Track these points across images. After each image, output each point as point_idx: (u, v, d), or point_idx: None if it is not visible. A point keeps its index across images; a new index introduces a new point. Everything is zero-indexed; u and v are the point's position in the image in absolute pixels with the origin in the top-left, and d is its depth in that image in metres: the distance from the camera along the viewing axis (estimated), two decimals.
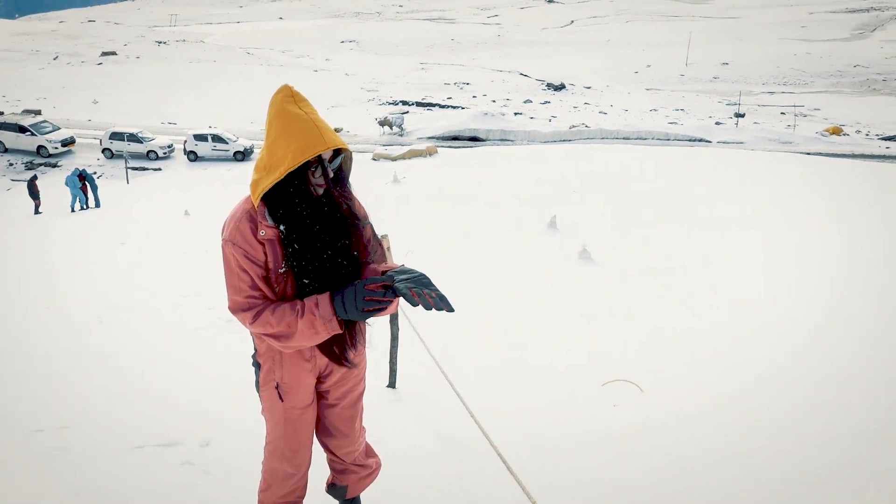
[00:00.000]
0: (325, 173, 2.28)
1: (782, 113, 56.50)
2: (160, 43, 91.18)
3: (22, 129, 34.88)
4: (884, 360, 4.58)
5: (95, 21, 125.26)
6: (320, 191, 2.32)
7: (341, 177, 2.41)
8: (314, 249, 2.34)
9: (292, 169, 2.20)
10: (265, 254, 2.34)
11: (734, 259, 9.01)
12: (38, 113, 41.05)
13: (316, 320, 2.27)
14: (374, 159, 30.46)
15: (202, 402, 4.57)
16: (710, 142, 38.17)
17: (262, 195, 2.29)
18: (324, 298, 2.27)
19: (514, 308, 6.95)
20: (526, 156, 27.05)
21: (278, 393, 2.56)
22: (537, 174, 20.54)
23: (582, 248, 9.58)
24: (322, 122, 2.25)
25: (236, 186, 25.52)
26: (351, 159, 2.42)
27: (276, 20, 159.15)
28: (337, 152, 2.34)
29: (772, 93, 71.51)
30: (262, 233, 2.32)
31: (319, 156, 2.25)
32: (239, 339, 6.34)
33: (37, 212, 24.57)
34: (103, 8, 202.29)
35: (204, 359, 5.75)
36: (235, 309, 2.37)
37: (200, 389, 4.87)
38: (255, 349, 2.63)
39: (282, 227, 2.32)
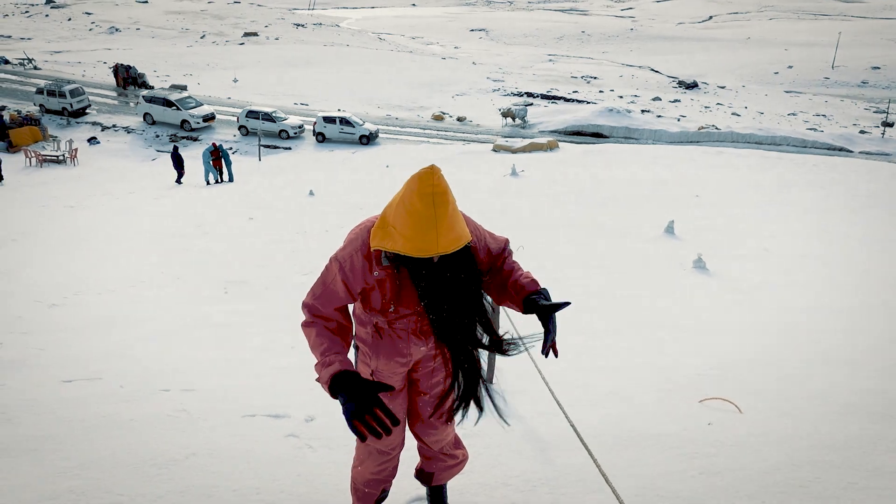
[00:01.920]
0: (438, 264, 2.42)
1: None
2: (298, 26, 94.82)
3: (169, 104, 37.18)
4: None
5: (240, 2, 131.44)
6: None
7: (466, 261, 2.50)
8: (432, 296, 2.47)
9: (402, 254, 2.31)
10: (371, 292, 2.53)
11: (860, 283, 8.55)
12: (183, 89, 43.65)
13: (319, 373, 2.48)
14: (494, 150, 30.56)
15: (310, 378, 4.83)
16: (851, 152, 35.91)
17: (381, 253, 2.44)
18: (328, 372, 2.40)
19: (619, 311, 6.90)
20: (649, 156, 26.42)
21: (372, 377, 2.73)
22: (660, 176, 20.06)
23: (697, 256, 9.35)
24: (445, 225, 2.26)
25: (357, 173, 26.31)
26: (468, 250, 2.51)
27: (408, 6, 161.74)
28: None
29: None
30: (375, 273, 2.47)
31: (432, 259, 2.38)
32: None
33: (178, 181, 26.18)
34: None
35: None
36: (305, 305, 2.57)
37: (308, 366, 5.15)
38: (355, 332, 2.80)
39: (404, 269, 2.47)
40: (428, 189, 2.24)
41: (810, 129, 43.40)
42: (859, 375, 4.52)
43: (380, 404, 2.23)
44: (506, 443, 3.75)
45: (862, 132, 43.23)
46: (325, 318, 2.56)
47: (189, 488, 3.29)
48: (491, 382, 4.60)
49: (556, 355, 2.47)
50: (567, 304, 2.48)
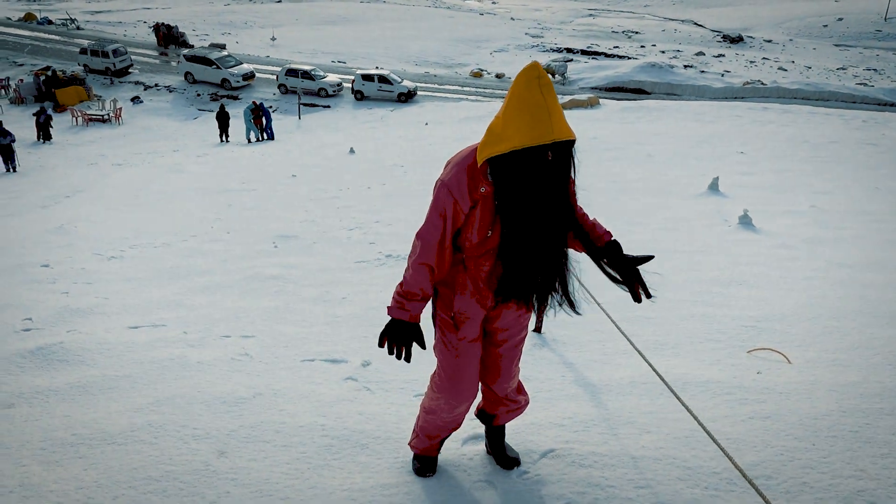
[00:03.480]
0: (550, 162, 2.33)
1: None
2: None
3: (209, 63, 37.46)
4: None
5: None
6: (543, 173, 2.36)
7: (567, 165, 2.44)
8: (527, 215, 2.42)
9: (517, 149, 2.27)
10: (475, 211, 2.49)
11: None
12: (223, 47, 43.88)
13: (392, 304, 2.62)
14: None
15: (364, 326, 5.01)
16: None
17: (486, 159, 2.38)
18: (397, 313, 2.60)
19: (664, 266, 6.93)
20: (692, 112, 25.99)
21: (453, 322, 2.74)
22: (703, 132, 19.76)
23: (743, 212, 9.28)
24: (557, 112, 2.28)
25: (397, 130, 26.33)
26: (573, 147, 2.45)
27: None
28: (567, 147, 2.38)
29: None
30: (482, 188, 2.44)
31: (546, 149, 2.30)
32: (396, 274, 6.79)
33: (222, 140, 26.51)
34: None
35: (364, 289, 6.22)
36: (419, 236, 2.58)
37: (361, 315, 5.32)
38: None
39: (499, 187, 2.40)
40: (534, 74, 2.27)
41: (860, 83, 42.17)
42: None
43: (408, 350, 2.58)
44: (558, 388, 3.88)
45: None
46: (433, 253, 2.58)
47: (259, 424, 3.48)
48: (539, 332, 4.71)
49: (649, 295, 2.62)
50: (652, 257, 2.63)
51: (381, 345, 2.60)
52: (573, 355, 4.36)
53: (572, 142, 2.39)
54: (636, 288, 2.62)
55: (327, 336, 4.87)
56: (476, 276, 2.66)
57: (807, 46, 64.21)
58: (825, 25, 76.29)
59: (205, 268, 7.35)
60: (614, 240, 2.73)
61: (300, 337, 4.86)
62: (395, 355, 2.60)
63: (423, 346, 2.63)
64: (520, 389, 3.11)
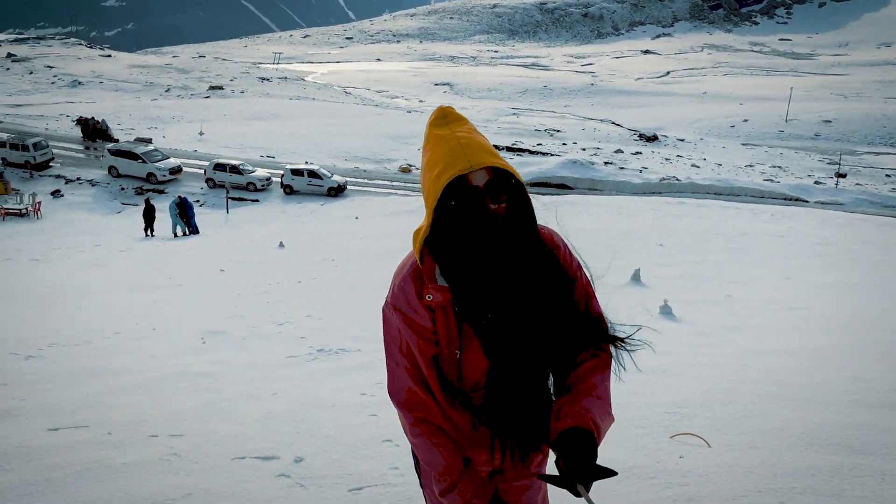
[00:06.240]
0: (480, 200, 1.80)
1: (888, 175, 54.48)
2: (263, 79, 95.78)
3: (134, 157, 37.21)
4: None
5: (205, 56, 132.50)
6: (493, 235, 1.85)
7: (520, 213, 1.92)
8: (497, 312, 1.87)
9: (435, 204, 1.81)
10: (433, 325, 1.91)
11: (821, 326, 8.93)
12: (149, 142, 43.74)
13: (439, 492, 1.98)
14: None
15: (296, 422, 4.97)
16: (807, 202, 37.20)
17: (422, 244, 1.89)
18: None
19: None
20: (614, 206, 27.09)
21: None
22: (624, 226, 20.59)
23: (664, 302, 9.68)
24: (471, 140, 1.82)
25: (327, 225, 26.50)
26: (524, 190, 1.91)
27: (373, 61, 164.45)
28: (505, 182, 1.85)
29: (877, 153, 69.03)
30: (428, 297, 1.88)
31: (477, 187, 1.80)
32: (328, 368, 6.78)
33: (147, 235, 26.10)
34: (213, 44, 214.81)
35: (296, 384, 6.18)
36: (391, 395, 2.02)
37: (294, 411, 5.29)
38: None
39: (451, 283, 1.86)
40: (440, 115, 1.91)
41: (767, 179, 44.91)
42: (819, 411, 4.79)
43: None
44: None
45: (817, 182, 44.88)
46: (425, 401, 1.97)
47: None
48: None
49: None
50: (614, 474, 1.78)
51: None
52: None
53: (514, 182, 1.87)
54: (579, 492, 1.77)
55: (258, 432, 4.81)
56: (463, 425, 2.04)
57: (717, 145, 68.29)
58: (732, 126, 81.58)
59: (130, 366, 7.17)
60: (584, 429, 1.83)
61: (231, 434, 4.78)
62: None
63: None
64: None
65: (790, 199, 37.45)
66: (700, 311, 9.76)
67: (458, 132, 1.84)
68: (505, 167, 1.82)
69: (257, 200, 35.36)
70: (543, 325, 1.92)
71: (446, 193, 1.79)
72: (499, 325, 1.87)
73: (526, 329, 1.89)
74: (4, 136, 41.46)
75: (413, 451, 2.13)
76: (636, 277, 12.02)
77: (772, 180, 44.45)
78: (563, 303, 1.96)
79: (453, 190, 1.79)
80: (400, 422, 2.03)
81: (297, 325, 9.03)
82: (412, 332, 1.91)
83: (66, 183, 37.11)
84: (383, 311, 1.98)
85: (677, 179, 41.37)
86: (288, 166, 37.48)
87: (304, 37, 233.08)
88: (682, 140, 69.50)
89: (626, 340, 2.08)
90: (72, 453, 4.44)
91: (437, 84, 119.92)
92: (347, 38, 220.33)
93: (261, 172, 37.65)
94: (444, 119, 1.89)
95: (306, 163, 39.99)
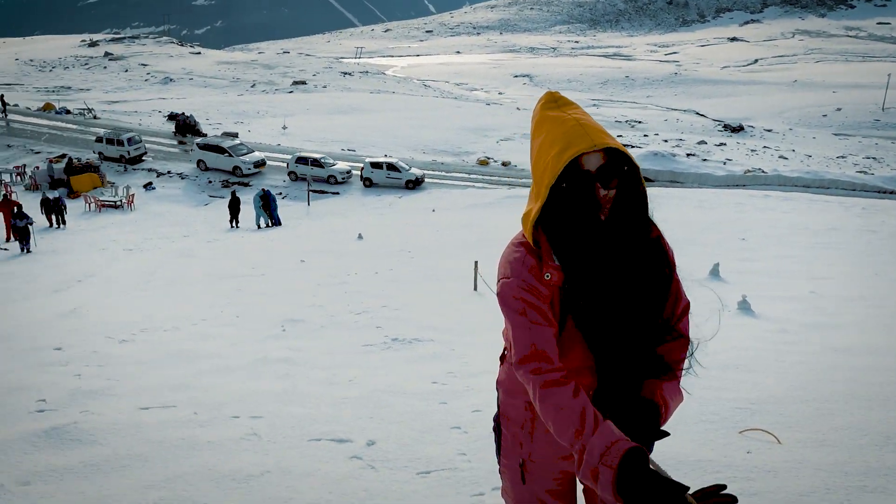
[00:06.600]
0: (598, 182, 1.83)
1: None
2: (345, 74, 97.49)
3: (221, 150, 38.48)
4: None
5: (289, 52, 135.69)
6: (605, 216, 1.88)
7: (634, 202, 1.95)
8: (597, 298, 1.88)
9: (553, 182, 1.81)
10: (551, 302, 1.90)
11: None
12: (235, 136, 45.12)
13: (583, 459, 1.74)
14: None
15: (369, 407, 5.15)
16: None
17: (534, 225, 1.90)
18: (612, 453, 1.70)
19: None
20: (695, 199, 26.46)
21: (521, 472, 2.11)
22: (706, 219, 20.13)
23: (742, 298, 9.47)
24: (589, 121, 1.85)
25: (404, 217, 26.84)
26: (638, 176, 1.94)
27: (453, 54, 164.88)
28: (618, 167, 1.86)
29: None
30: (546, 276, 1.88)
31: (589, 172, 1.83)
32: (402, 357, 6.95)
33: (233, 226, 27.01)
34: (297, 40, 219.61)
35: (370, 372, 6.37)
36: (518, 355, 1.91)
37: (367, 397, 5.47)
38: (499, 410, 2.21)
39: (561, 265, 1.87)
40: (551, 98, 1.94)
41: (860, 171, 42.93)
42: None
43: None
44: None
45: None
46: (553, 367, 1.87)
47: (267, 500, 3.60)
48: None
49: None
50: (667, 434, 1.94)
51: None
52: None
53: (627, 169, 1.89)
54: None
55: (333, 417, 5.01)
56: None
57: (807, 135, 65.65)
58: (824, 115, 78.16)
59: (214, 351, 7.53)
60: (656, 403, 1.95)
61: (307, 417, 4.99)
62: None
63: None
64: None
65: (884, 192, 35.69)
66: (781, 308, 9.49)
67: (574, 114, 1.87)
68: (623, 150, 1.85)
69: (338, 193, 36.05)
70: (645, 313, 1.96)
71: (561, 175, 1.82)
72: (602, 314, 1.90)
73: (627, 318, 1.93)
74: (101, 131, 43.59)
75: (504, 428, 2.12)
76: (715, 272, 11.76)
77: (865, 172, 42.49)
78: (666, 291, 2.03)
79: (566, 172, 1.82)
80: (530, 389, 1.89)
81: (373, 315, 9.26)
82: (535, 300, 1.88)
83: (158, 176, 38.73)
84: (499, 290, 1.95)
85: (763, 171, 40.01)
86: (367, 159, 38.03)
87: (385, 31, 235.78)
88: (769, 130, 67.13)
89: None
90: (161, 431, 4.73)
91: (516, 76, 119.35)
92: (427, 32, 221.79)
93: (341, 165, 38.33)
94: (556, 102, 1.92)
95: (385, 156, 40.53)
